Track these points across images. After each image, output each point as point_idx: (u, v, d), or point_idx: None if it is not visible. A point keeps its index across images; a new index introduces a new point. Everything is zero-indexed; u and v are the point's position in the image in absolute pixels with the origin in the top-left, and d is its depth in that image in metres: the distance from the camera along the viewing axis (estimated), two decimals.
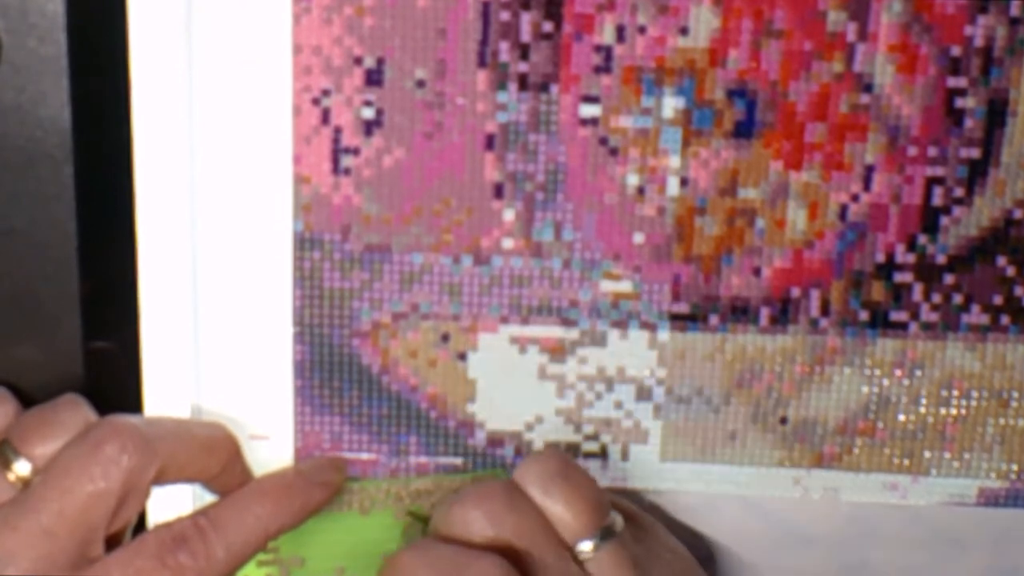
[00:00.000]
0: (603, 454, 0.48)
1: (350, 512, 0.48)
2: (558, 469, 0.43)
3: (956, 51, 0.44)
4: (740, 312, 0.47)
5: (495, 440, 0.48)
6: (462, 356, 0.47)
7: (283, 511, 0.44)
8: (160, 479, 0.43)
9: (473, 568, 0.40)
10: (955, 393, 0.48)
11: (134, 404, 0.46)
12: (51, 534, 0.40)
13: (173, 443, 0.43)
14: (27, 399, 0.46)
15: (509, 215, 0.46)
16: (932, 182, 0.46)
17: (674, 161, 0.45)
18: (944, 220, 0.46)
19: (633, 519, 0.46)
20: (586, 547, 0.42)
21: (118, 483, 0.41)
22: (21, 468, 0.42)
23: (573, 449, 0.48)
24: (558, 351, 0.47)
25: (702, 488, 0.49)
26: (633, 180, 0.46)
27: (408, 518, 0.48)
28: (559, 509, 0.42)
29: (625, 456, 0.48)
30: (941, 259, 0.46)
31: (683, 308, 0.47)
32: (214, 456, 0.45)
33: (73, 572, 0.41)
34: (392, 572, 0.41)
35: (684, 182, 0.46)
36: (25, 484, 0.42)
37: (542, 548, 0.41)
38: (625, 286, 0.47)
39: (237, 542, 0.43)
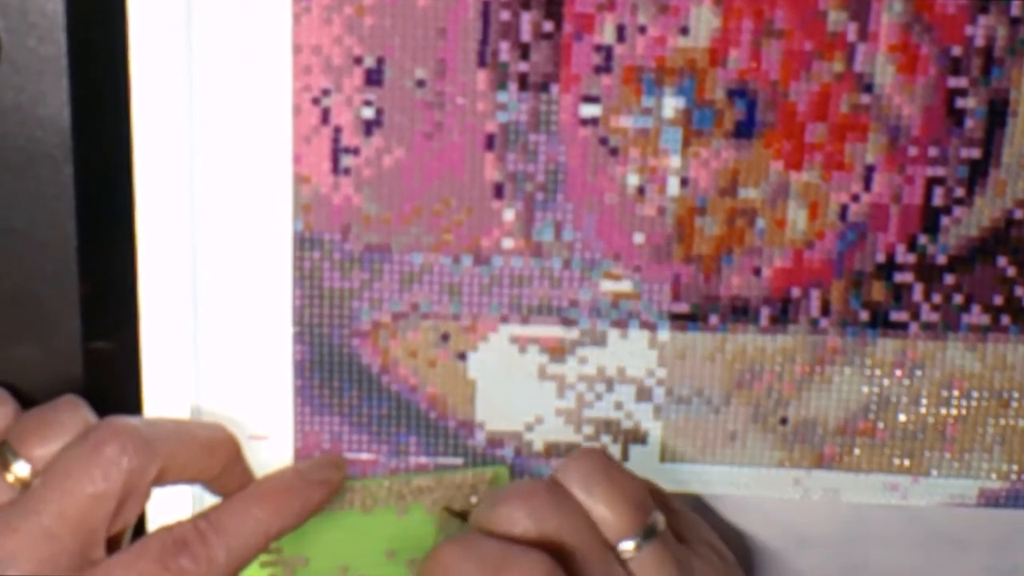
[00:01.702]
0: None
1: (352, 511, 0.48)
2: (600, 467, 0.42)
3: (957, 51, 0.44)
4: (740, 312, 0.47)
5: (495, 440, 0.48)
6: (462, 356, 0.47)
7: (284, 512, 0.44)
8: (160, 480, 0.43)
9: (518, 563, 0.39)
10: (955, 393, 0.48)
11: (134, 404, 0.46)
12: (52, 536, 0.40)
13: (174, 444, 0.43)
14: (27, 399, 0.46)
15: (509, 215, 0.46)
16: (932, 182, 0.46)
17: (674, 161, 0.45)
18: (944, 220, 0.46)
19: (676, 516, 0.45)
20: (628, 547, 0.41)
21: (118, 484, 0.41)
22: (20, 470, 0.42)
23: (574, 449, 0.48)
24: (558, 351, 0.47)
25: (702, 489, 0.49)
26: (633, 180, 0.46)
27: (444, 513, 0.48)
28: (601, 508, 0.41)
29: (625, 457, 0.48)
30: (941, 259, 0.46)
31: (683, 308, 0.47)
32: (215, 457, 0.45)
33: (75, 574, 0.41)
34: (435, 564, 0.40)
35: (684, 182, 0.46)
36: (24, 485, 0.42)
37: (586, 547, 0.41)
38: (625, 286, 0.47)
39: (238, 545, 0.43)
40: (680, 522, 0.45)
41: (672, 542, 0.43)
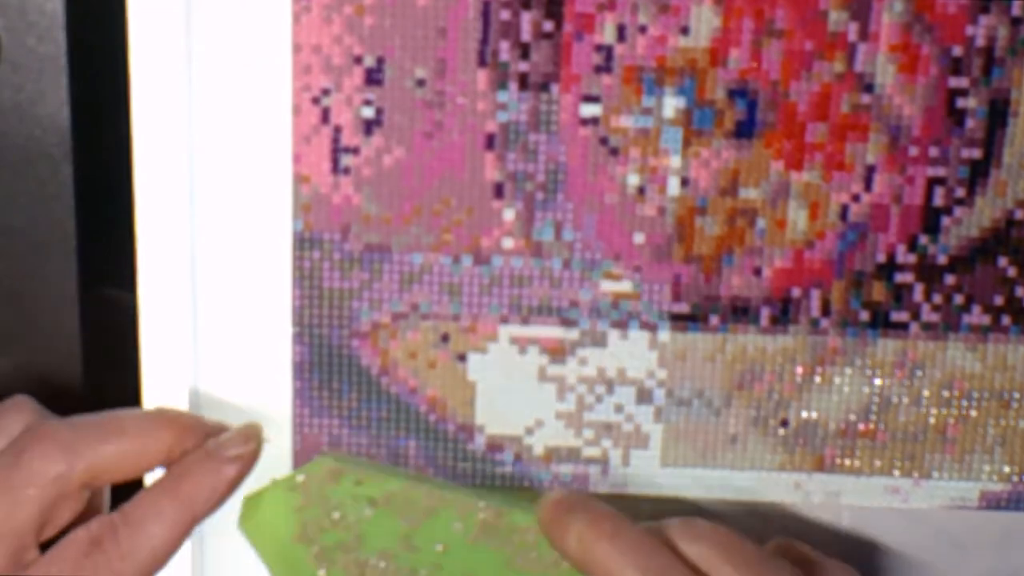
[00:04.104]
0: (604, 460, 0.48)
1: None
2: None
3: (957, 51, 0.44)
4: (740, 312, 0.47)
5: (494, 445, 0.48)
6: (462, 357, 0.47)
7: (195, 499, 0.43)
8: (94, 481, 0.42)
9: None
10: (956, 394, 0.47)
11: (133, 405, 0.46)
12: None
13: (99, 444, 0.42)
14: None
15: (509, 215, 0.46)
16: (933, 182, 0.46)
17: (675, 161, 0.45)
18: (945, 220, 0.46)
19: (815, 568, 0.45)
20: None
21: (40, 490, 0.41)
22: None
23: (574, 454, 0.48)
24: (558, 351, 0.47)
25: (703, 493, 0.49)
26: (633, 180, 0.46)
27: None
28: None
29: (626, 461, 0.48)
30: (942, 259, 0.46)
31: (683, 308, 0.47)
32: (157, 444, 0.43)
33: None
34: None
35: (685, 182, 0.46)
36: None
37: None
38: (625, 286, 0.46)
39: (155, 535, 0.42)
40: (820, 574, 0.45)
41: None
